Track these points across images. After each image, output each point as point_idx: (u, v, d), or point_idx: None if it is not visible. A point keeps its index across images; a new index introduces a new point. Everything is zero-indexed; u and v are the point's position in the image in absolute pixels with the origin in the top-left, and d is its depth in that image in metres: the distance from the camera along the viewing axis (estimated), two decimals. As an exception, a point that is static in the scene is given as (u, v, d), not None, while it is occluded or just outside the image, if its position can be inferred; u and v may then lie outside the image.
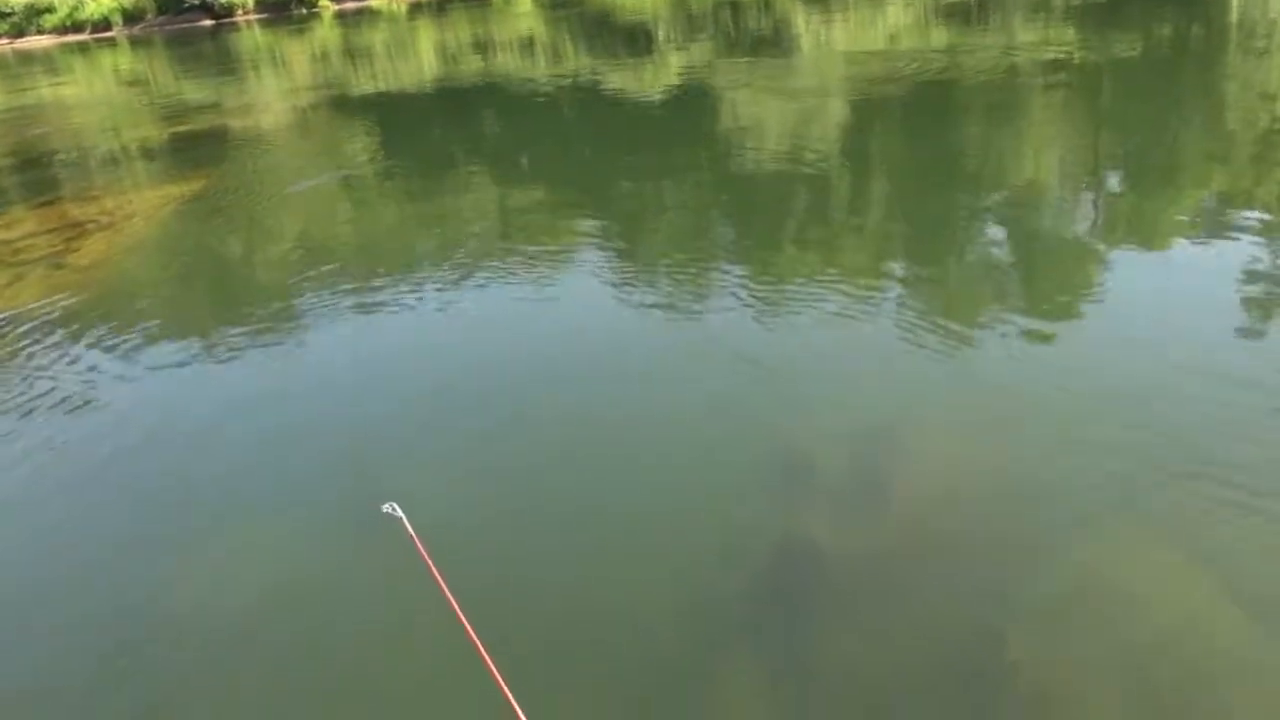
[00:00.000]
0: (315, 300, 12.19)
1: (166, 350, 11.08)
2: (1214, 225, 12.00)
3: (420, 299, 11.86)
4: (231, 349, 10.94)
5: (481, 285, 12.17)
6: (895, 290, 10.88)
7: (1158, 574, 5.87)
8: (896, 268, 11.72)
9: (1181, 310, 9.34)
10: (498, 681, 3.58)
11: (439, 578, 4.10)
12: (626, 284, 11.86)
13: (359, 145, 22.92)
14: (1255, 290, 9.90)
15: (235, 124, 27.41)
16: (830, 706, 5.24)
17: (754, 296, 10.91)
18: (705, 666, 5.54)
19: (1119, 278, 10.63)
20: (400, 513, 4.51)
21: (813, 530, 6.49)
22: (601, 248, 13.42)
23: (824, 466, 7.32)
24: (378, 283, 12.65)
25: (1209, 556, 5.93)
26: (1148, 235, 12.10)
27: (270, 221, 17.08)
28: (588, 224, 14.73)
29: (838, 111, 20.08)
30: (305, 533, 7.07)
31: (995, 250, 12.21)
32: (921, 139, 17.62)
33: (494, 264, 12.95)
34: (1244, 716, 4.90)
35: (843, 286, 11.00)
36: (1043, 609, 5.68)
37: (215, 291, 13.83)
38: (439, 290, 12.10)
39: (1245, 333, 8.92)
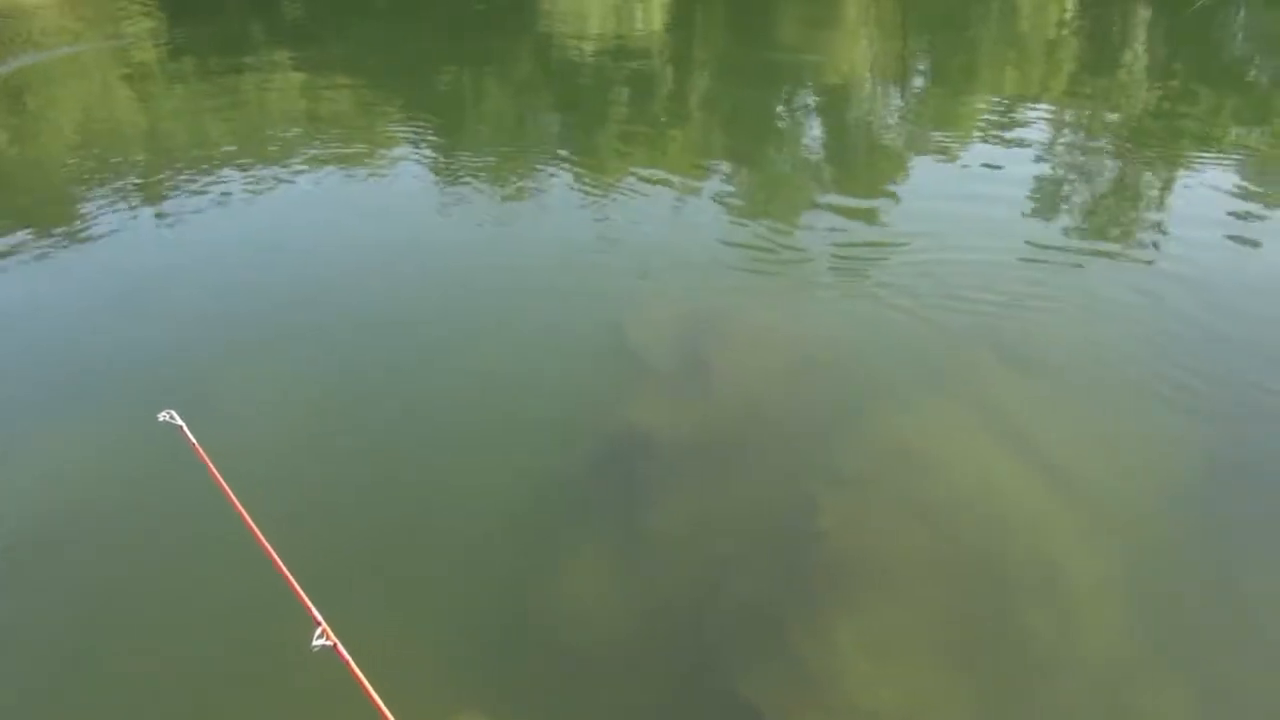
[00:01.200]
0: (97, 194, 10.75)
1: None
2: (1010, 112, 12.59)
3: (216, 194, 10.68)
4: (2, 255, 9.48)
5: (286, 179, 11.10)
6: (715, 176, 10.82)
7: (956, 440, 6.18)
8: (716, 154, 11.66)
9: (980, 192, 9.76)
10: (292, 586, 3.26)
11: (224, 485, 3.68)
12: (446, 175, 11.15)
13: (141, 23, 20.25)
14: (1045, 172, 10.51)
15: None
16: (663, 573, 5.26)
17: (578, 183, 10.54)
18: (534, 550, 5.41)
19: (923, 163, 11.01)
20: (179, 420, 4.00)
21: (641, 410, 6.40)
22: (419, 138, 12.54)
23: (651, 348, 7.21)
24: (168, 176, 11.30)
25: (1001, 423, 6.29)
26: (953, 120, 12.56)
27: (44, 107, 14.89)
28: (403, 113, 13.74)
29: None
30: (86, 443, 6.33)
31: (811, 135, 12.36)
32: (742, 27, 17.45)
33: (300, 156, 11.84)
34: (1031, 559, 5.28)
35: (664, 173, 10.80)
36: (853, 477, 5.87)
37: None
38: (239, 185, 10.93)
39: (1037, 212, 9.46)
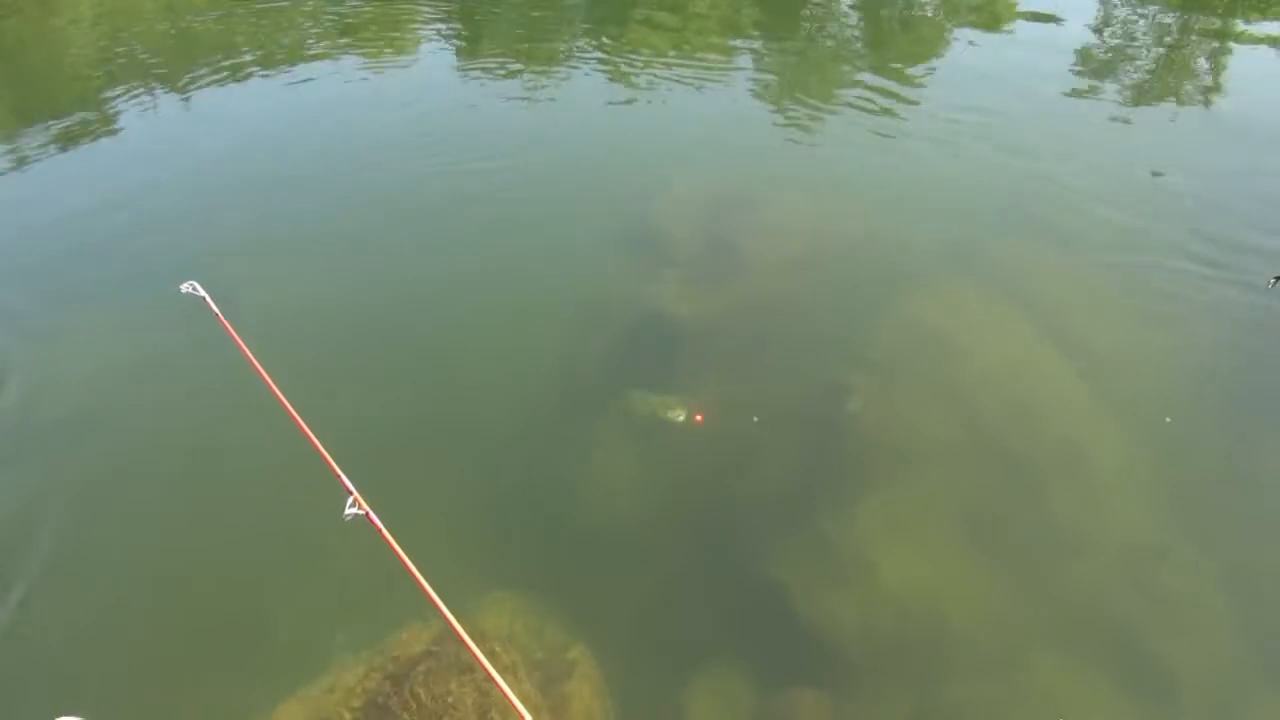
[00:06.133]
0: (119, 82, 10.30)
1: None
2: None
3: (238, 80, 10.18)
4: (30, 140, 9.08)
5: (306, 64, 10.55)
6: (747, 60, 10.19)
7: (984, 323, 5.90)
8: (748, 38, 10.95)
9: (1016, 85, 9.13)
10: (322, 454, 3.09)
11: (249, 354, 3.49)
12: (470, 60, 10.58)
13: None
14: (1084, 67, 9.82)
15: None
16: (690, 456, 5.11)
17: (606, 68, 9.97)
18: (561, 432, 5.27)
19: (960, 52, 10.30)
20: (202, 291, 3.78)
21: (669, 292, 6.14)
22: (442, 24, 11.87)
23: (678, 234, 6.86)
24: (190, 65, 10.74)
25: (1029, 306, 6.00)
26: (988, 8, 11.71)
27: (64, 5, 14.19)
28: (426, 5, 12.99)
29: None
30: (116, 318, 6.17)
31: (845, 23, 11.60)
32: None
33: (322, 42, 11.26)
34: (1057, 442, 5.07)
35: (696, 56, 10.19)
36: (881, 360, 5.63)
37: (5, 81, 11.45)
38: (260, 71, 10.43)
39: (1070, 107, 8.84)
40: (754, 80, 9.53)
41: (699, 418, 5.25)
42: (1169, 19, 10.66)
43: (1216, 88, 9.04)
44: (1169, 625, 4.18)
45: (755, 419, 5.20)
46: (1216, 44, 10.03)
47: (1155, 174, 7.39)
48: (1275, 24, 10.14)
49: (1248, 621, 4.20)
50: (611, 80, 9.68)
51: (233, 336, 3.60)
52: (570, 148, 8.23)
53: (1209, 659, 4.07)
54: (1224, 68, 9.51)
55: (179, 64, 10.79)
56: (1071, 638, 4.15)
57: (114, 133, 9.15)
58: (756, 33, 11.00)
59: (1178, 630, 4.15)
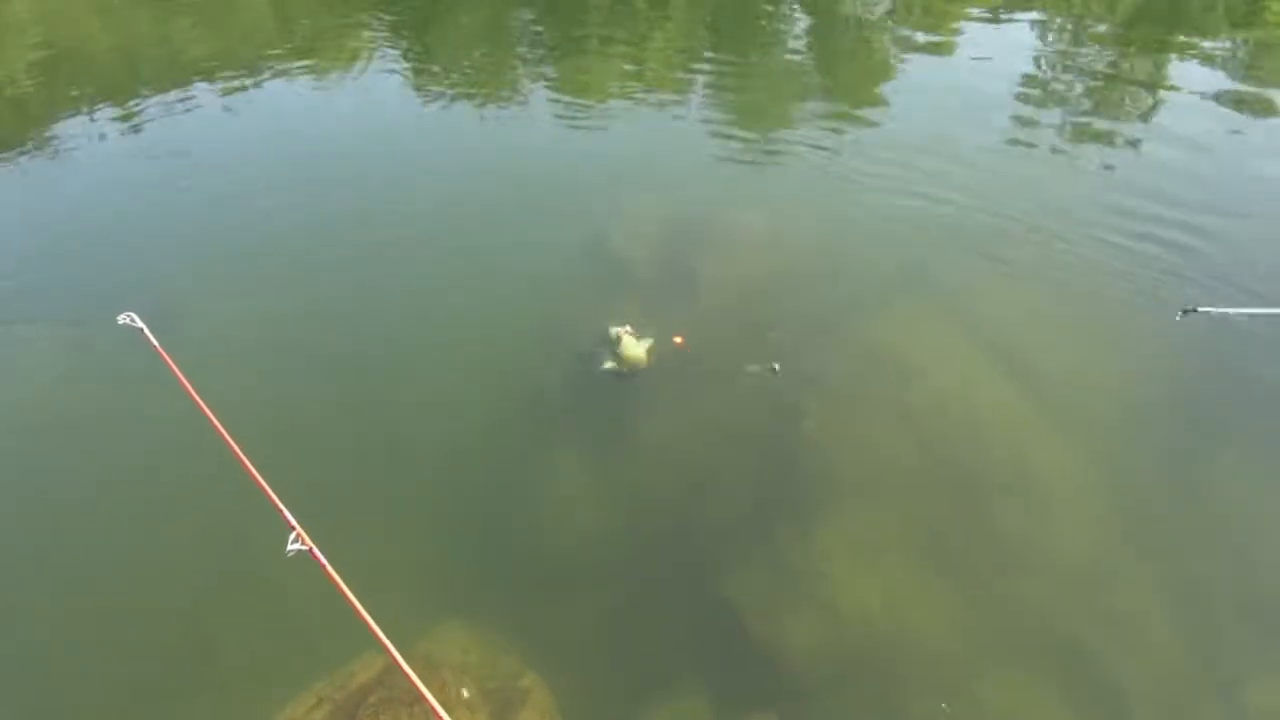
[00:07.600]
0: (60, 103, 10.08)
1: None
2: (998, 14, 12.00)
3: (184, 104, 10.01)
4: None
5: (256, 88, 10.42)
6: (702, 88, 10.27)
7: (935, 344, 5.97)
8: (702, 65, 11.05)
9: (968, 105, 9.31)
10: (263, 489, 3.02)
11: (188, 386, 3.40)
12: (422, 85, 10.52)
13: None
14: (1036, 77, 10.06)
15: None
16: (646, 480, 5.12)
17: (558, 91, 9.99)
18: (516, 459, 5.21)
19: (912, 73, 10.50)
20: (140, 322, 3.68)
21: (624, 318, 6.05)
22: (393, 47, 11.80)
23: (636, 257, 6.87)
24: (134, 86, 10.56)
25: (980, 325, 6.09)
26: (936, 31, 11.94)
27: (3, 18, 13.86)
28: (377, 20, 12.89)
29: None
30: (51, 351, 6.02)
31: (796, 51, 11.74)
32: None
33: (272, 66, 11.09)
34: (1007, 461, 5.14)
35: (651, 85, 10.27)
36: (838, 383, 5.67)
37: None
38: (208, 95, 10.26)
39: (1022, 129, 8.98)
40: (706, 108, 9.62)
41: (679, 340, 5.23)
42: (1105, 57, 10.98)
43: (1154, 113, 9.29)
44: (1117, 641, 4.24)
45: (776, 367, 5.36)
46: (1152, 69, 10.37)
47: (1099, 202, 7.57)
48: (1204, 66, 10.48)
49: (1193, 636, 4.29)
50: (564, 107, 9.70)
51: (171, 368, 3.51)
52: (523, 173, 8.19)
53: (1156, 673, 4.14)
54: (1163, 84, 9.79)
55: (120, 86, 10.58)
56: (1023, 654, 4.20)
57: (51, 158, 8.96)
58: (707, 60, 11.09)
59: (1125, 645, 4.22)
